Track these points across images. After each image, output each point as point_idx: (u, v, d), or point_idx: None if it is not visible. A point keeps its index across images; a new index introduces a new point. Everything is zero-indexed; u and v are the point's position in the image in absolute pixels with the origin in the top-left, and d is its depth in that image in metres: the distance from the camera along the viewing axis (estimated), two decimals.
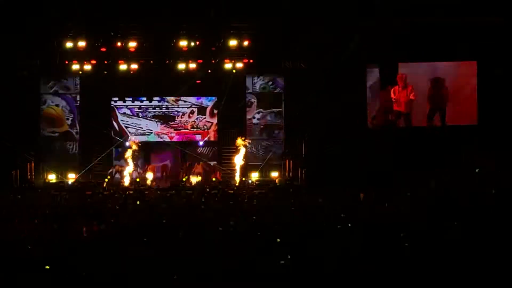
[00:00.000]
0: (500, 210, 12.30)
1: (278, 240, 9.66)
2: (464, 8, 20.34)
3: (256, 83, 23.34)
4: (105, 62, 21.88)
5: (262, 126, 23.43)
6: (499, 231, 9.88)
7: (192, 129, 23.67)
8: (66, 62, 21.78)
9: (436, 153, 20.07)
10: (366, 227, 11.18)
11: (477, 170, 17.67)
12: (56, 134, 23.25)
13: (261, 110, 23.37)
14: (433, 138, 21.32)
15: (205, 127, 23.67)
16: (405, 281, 7.88)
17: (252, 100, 23.35)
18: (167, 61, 22.05)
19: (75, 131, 23.28)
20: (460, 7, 20.34)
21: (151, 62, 21.97)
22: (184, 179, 22.18)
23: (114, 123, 23.57)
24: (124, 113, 23.59)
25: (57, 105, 23.16)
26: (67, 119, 23.27)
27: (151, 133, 23.61)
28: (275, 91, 23.33)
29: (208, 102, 23.75)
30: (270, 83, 23.30)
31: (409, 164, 19.51)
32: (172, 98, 23.52)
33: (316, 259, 8.53)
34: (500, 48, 20.79)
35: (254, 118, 23.43)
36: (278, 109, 23.35)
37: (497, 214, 11.83)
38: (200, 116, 23.68)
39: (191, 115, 23.71)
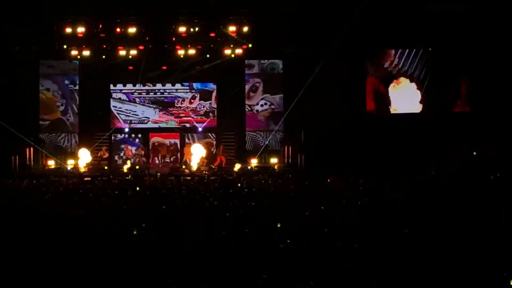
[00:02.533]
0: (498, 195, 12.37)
1: (279, 225, 9.66)
2: None
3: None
4: (104, 46, 21.82)
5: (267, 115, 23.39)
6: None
7: (192, 115, 23.64)
8: (65, 47, 21.74)
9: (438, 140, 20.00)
10: (366, 212, 11.20)
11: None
12: (46, 123, 22.87)
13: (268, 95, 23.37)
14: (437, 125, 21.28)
15: (205, 113, 23.64)
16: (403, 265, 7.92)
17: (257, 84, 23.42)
18: (166, 47, 21.98)
19: (67, 118, 23.04)
20: None
21: (150, 47, 21.91)
22: (183, 166, 22.15)
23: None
24: (119, 99, 23.47)
25: (48, 89, 22.90)
26: (59, 105, 22.95)
27: (149, 121, 23.57)
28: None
29: (211, 87, 23.71)
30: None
31: (410, 151, 19.47)
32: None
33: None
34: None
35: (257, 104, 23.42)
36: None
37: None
38: (202, 101, 23.63)
39: (192, 100, 23.66)
